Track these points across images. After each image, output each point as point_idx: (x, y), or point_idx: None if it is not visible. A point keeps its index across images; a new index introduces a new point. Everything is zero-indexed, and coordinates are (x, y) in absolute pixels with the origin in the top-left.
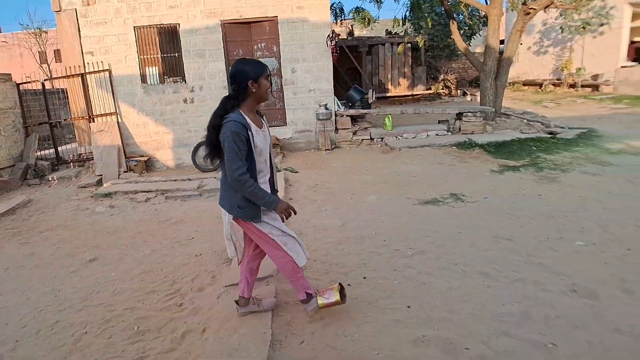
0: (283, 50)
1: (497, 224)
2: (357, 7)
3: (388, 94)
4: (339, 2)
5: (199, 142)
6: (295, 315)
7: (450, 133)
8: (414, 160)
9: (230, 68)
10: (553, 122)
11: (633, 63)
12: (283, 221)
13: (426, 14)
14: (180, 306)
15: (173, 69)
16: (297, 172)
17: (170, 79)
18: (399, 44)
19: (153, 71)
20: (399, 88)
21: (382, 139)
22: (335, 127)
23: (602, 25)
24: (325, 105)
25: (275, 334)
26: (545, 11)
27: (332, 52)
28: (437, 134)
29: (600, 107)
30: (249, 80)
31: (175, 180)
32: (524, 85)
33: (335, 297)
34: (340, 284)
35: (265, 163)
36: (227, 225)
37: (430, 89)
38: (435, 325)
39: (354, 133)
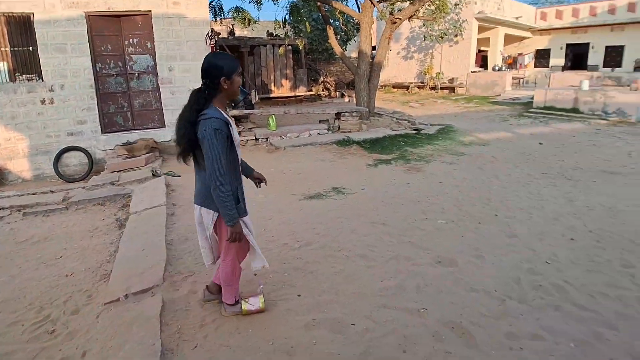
0: (158, 47)
1: (373, 211)
2: (237, 7)
3: (272, 95)
4: (218, 0)
5: (62, 148)
6: (185, 322)
7: (330, 132)
8: (298, 159)
9: (202, 62)
10: (418, 120)
11: (480, 69)
12: (227, 238)
13: (305, 19)
14: (52, 333)
15: (27, 65)
16: (179, 176)
17: (24, 76)
18: (280, 45)
19: (0, 67)
20: (282, 89)
21: (267, 139)
22: None
23: (456, 35)
24: None
25: (166, 343)
26: (409, 21)
27: (212, 51)
28: (318, 133)
29: (456, 107)
30: (222, 77)
31: (34, 194)
32: (394, 87)
33: (260, 304)
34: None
35: (239, 159)
36: (208, 227)
37: (311, 90)
38: (324, 309)
39: (239, 134)
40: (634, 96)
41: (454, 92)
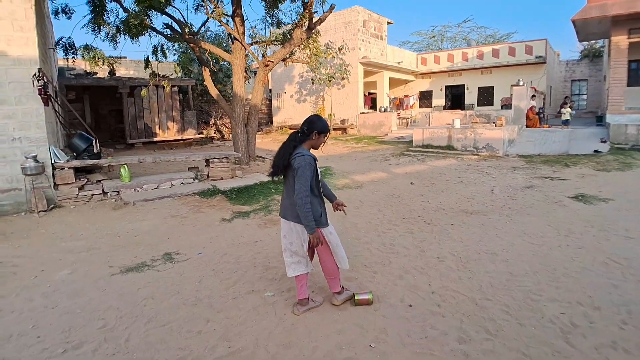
0: None
1: (195, 285)
2: (86, 45)
3: (156, 139)
4: (69, 37)
5: None
6: None
7: (197, 180)
8: (146, 216)
9: (308, 117)
10: None
11: (370, 110)
12: (309, 246)
13: (192, 59)
14: None
15: None
16: None
17: None
18: (164, 86)
19: None
20: (168, 132)
21: (118, 192)
22: (55, 183)
23: (343, 79)
24: (35, 156)
25: None
26: (285, 64)
27: (40, 94)
28: (182, 183)
29: (345, 147)
30: (314, 131)
31: None
32: (290, 129)
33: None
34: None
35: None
36: (303, 241)
37: (202, 133)
38: None
39: (81, 188)
40: (499, 132)
41: (346, 132)
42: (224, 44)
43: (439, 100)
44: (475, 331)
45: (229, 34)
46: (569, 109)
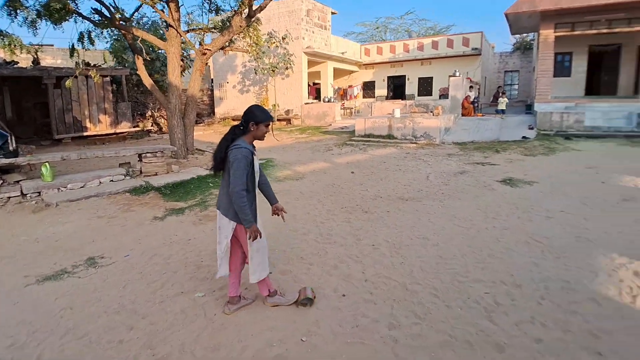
0: None
1: (119, 291)
2: (0, 31)
3: (87, 133)
4: None
5: None
6: None
7: (129, 177)
8: (69, 218)
9: (248, 107)
10: None
11: (314, 100)
12: (248, 238)
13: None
14: None
15: None
16: None
17: None
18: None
19: None
20: (100, 126)
21: (39, 193)
22: None
23: (287, 69)
24: None
25: None
26: (224, 53)
27: None
28: (111, 180)
29: (288, 138)
30: (252, 122)
31: None
32: (234, 120)
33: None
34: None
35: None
36: (227, 236)
37: (137, 126)
38: None
39: None
40: (435, 121)
41: (290, 123)
42: (161, 32)
43: (381, 90)
44: (405, 316)
45: (165, 21)
46: (505, 99)
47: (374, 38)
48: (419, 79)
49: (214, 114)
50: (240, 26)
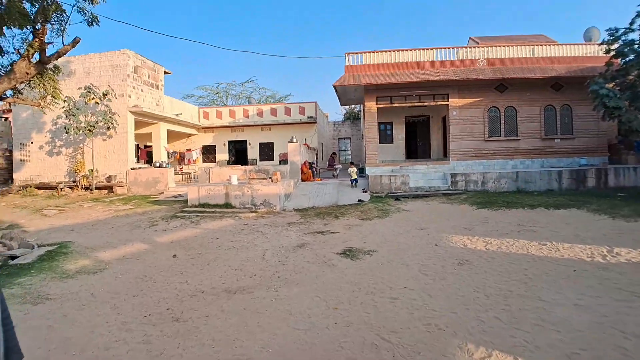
0: None
1: None
2: None
3: None
4: None
5: None
6: None
7: None
8: None
9: None
10: (33, 238)
11: (145, 165)
12: None
13: None
14: None
15: None
16: None
17: None
18: None
19: None
20: None
21: None
22: None
23: (108, 129)
24: None
25: None
26: (8, 104)
27: None
28: None
29: (105, 211)
30: None
31: None
32: (38, 188)
33: None
34: None
35: None
36: None
37: None
38: None
39: None
40: (275, 187)
41: (113, 192)
42: None
43: (222, 155)
44: None
45: None
46: (354, 169)
47: (215, 102)
48: (260, 144)
49: (11, 180)
50: (27, 73)
